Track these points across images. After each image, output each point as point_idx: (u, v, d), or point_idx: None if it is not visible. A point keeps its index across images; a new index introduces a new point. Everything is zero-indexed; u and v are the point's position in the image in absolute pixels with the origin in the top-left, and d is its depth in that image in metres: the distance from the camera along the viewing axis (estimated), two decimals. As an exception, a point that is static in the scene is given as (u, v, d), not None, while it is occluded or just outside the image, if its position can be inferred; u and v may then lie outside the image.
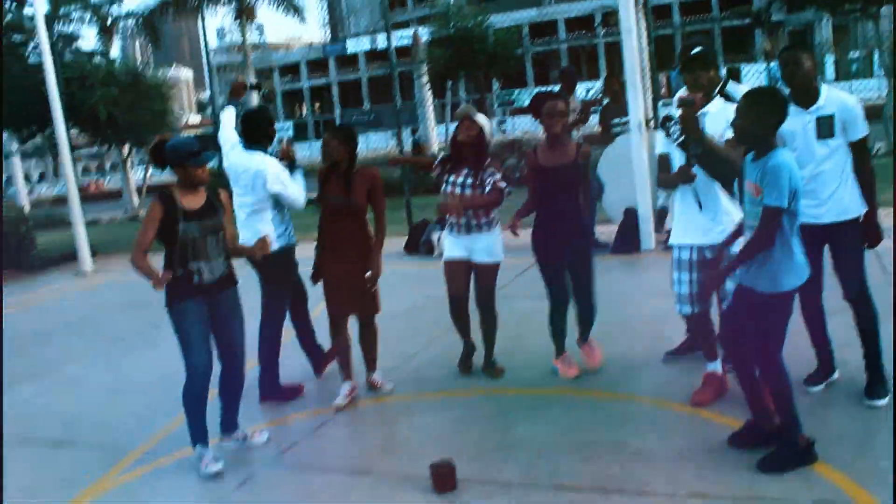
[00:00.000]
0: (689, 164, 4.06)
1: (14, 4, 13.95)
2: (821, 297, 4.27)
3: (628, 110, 8.94)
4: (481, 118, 5.09)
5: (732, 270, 3.70)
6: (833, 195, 4.06)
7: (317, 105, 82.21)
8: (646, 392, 4.68)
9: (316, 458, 4.31)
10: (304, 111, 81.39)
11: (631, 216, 8.94)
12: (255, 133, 5.11)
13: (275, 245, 4.82)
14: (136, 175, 27.42)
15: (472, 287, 5.24)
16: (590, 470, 3.80)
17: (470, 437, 4.35)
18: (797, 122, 3.99)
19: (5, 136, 19.92)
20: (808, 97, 4.06)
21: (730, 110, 3.79)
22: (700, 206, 4.19)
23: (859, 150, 4.09)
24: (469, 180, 4.97)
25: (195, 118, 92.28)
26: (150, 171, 27.93)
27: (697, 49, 4.22)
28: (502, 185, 4.93)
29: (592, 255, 5.17)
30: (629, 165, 8.74)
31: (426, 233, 10.25)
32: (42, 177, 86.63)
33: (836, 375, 4.43)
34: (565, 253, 4.98)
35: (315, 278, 5.06)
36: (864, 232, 4.15)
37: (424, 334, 6.21)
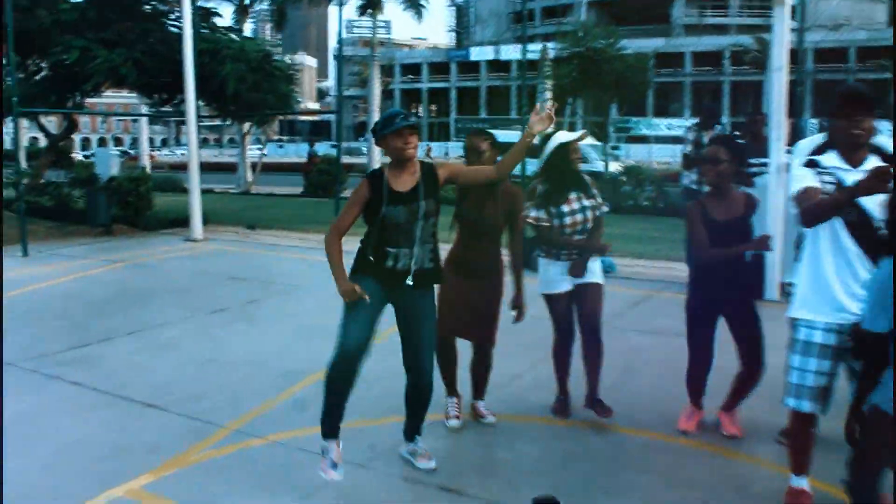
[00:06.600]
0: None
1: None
2: None
3: (768, 152, 8.42)
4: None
5: None
6: None
7: (433, 107, 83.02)
8: (766, 456, 4.23)
9: (407, 469, 4.04)
10: (421, 111, 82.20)
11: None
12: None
13: None
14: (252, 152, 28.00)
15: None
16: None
17: (576, 473, 4.01)
18: None
19: (136, 98, 20.65)
20: None
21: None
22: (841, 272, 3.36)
23: None
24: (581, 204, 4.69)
25: (313, 105, 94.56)
26: (266, 150, 28.51)
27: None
28: (604, 209, 4.78)
29: (757, 312, 4.48)
30: (763, 209, 8.20)
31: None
32: (164, 143, 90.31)
33: None
34: (724, 306, 4.45)
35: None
36: None
37: (529, 356, 5.77)
